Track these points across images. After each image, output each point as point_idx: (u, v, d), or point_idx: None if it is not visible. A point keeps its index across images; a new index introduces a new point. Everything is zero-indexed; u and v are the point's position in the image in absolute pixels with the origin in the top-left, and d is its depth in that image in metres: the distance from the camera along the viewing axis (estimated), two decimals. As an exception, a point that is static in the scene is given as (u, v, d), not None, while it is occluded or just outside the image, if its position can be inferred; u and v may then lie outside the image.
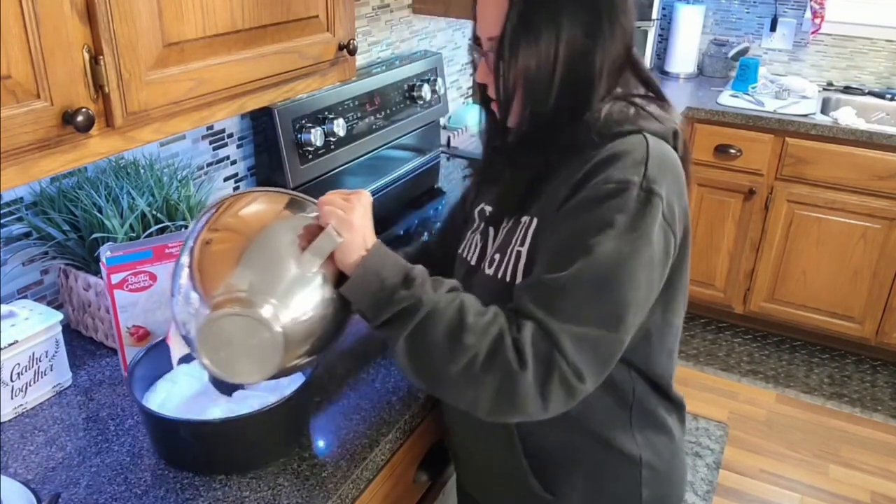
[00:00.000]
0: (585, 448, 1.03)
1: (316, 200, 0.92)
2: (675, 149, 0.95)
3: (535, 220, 0.94)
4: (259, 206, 0.92)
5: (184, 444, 0.99)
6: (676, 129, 0.96)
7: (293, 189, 1.72)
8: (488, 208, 1.05)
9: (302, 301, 0.86)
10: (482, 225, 1.06)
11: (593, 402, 0.89)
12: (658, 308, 0.96)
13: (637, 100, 0.96)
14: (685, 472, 1.14)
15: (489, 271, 0.99)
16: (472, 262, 1.04)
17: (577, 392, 0.85)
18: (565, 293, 0.84)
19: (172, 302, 0.91)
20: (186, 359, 1.08)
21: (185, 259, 0.89)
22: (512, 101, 0.94)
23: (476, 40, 0.99)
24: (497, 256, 0.98)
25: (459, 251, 1.10)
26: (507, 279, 0.95)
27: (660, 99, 0.99)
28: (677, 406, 1.10)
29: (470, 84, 2.69)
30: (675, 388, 1.08)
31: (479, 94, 1.04)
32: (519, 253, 0.95)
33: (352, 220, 0.87)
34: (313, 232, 0.88)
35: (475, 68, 1.01)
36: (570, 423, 0.96)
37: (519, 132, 0.97)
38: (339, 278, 0.89)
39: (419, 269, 0.88)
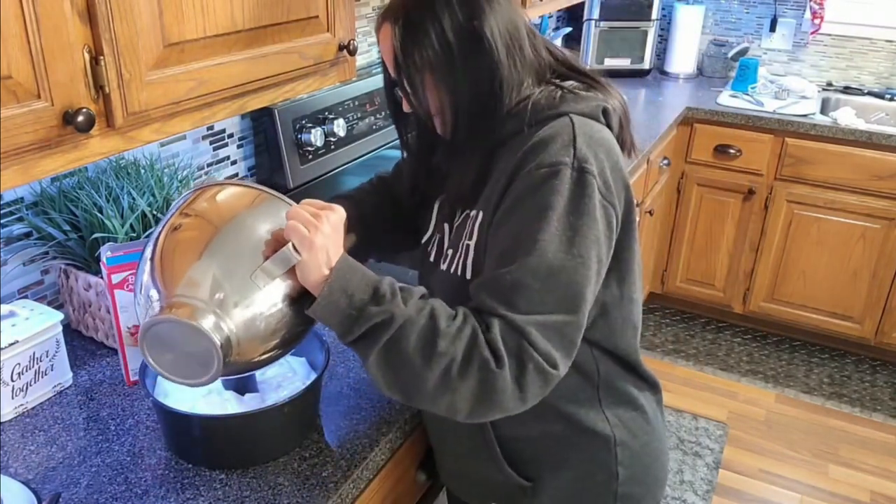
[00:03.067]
0: (558, 432, 1.04)
1: (292, 203, 0.91)
2: (609, 126, 0.98)
3: (480, 213, 0.97)
4: (234, 197, 0.92)
5: (195, 439, 1.00)
6: (606, 107, 0.97)
7: (294, 189, 1.72)
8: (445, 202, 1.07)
9: (258, 305, 0.86)
10: (438, 222, 1.08)
11: (560, 383, 0.90)
12: (613, 282, 0.99)
13: (566, 83, 0.99)
14: (663, 449, 1.14)
15: (444, 267, 1.01)
16: (432, 259, 1.07)
17: (552, 378, 0.87)
18: (521, 286, 0.86)
19: (135, 302, 0.91)
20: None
21: (147, 252, 0.90)
22: (429, 106, 0.97)
23: (393, 84, 1.02)
24: (450, 252, 1.01)
25: (423, 244, 1.11)
26: (459, 274, 0.98)
27: (592, 82, 1.02)
28: (650, 384, 1.11)
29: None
30: (646, 367, 1.10)
31: (397, 125, 1.10)
32: (468, 247, 0.97)
33: (313, 239, 0.85)
34: (278, 240, 0.88)
35: (395, 109, 1.06)
36: (540, 408, 0.96)
37: (451, 136, 0.99)
38: (302, 287, 0.89)
39: (388, 282, 0.87)
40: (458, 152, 1.00)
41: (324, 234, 0.86)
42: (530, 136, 0.93)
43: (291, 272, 0.87)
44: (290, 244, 0.86)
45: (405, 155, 1.14)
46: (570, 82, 1.00)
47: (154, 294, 0.86)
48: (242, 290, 0.85)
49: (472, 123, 0.96)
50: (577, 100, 0.96)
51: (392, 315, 0.84)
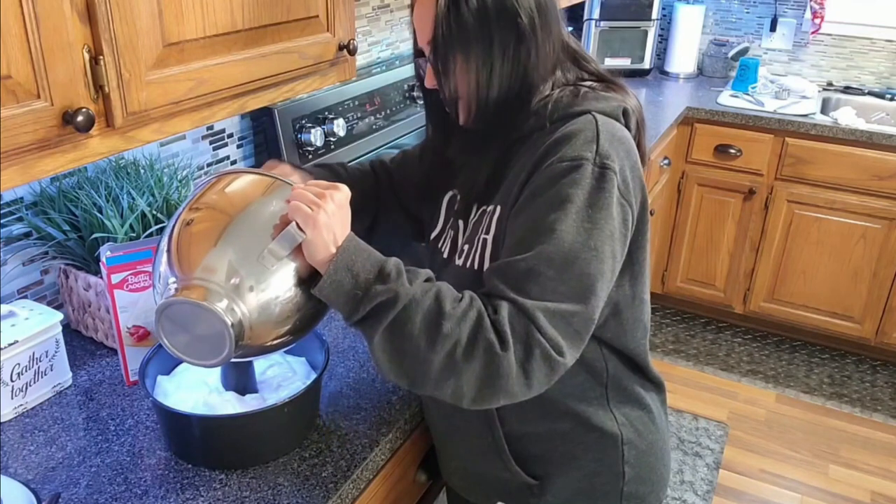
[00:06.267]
0: (566, 430, 1.04)
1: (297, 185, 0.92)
2: (627, 127, 0.98)
3: (497, 208, 0.97)
4: (249, 185, 0.92)
5: (195, 439, 1.00)
6: (626, 108, 0.98)
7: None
8: (458, 198, 1.07)
9: (273, 290, 0.87)
10: (452, 218, 1.08)
11: (568, 381, 0.89)
12: (626, 281, 1.00)
13: (586, 83, 1.00)
14: (667, 449, 1.15)
15: (459, 262, 1.01)
16: (445, 255, 1.06)
17: (558, 366, 0.85)
18: (534, 273, 0.86)
19: (154, 293, 0.92)
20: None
21: (163, 244, 0.90)
22: (456, 88, 0.95)
23: (419, 53, 1.00)
24: (466, 247, 1.01)
25: (433, 240, 1.11)
26: (476, 268, 0.98)
27: (610, 82, 1.02)
28: (656, 384, 1.13)
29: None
30: (654, 368, 1.11)
31: (425, 102, 1.08)
32: (485, 241, 0.97)
33: (317, 217, 0.85)
34: (285, 221, 0.88)
35: (422, 81, 1.02)
36: (549, 406, 0.96)
37: (473, 124, 0.98)
38: (313, 270, 0.89)
39: (393, 262, 0.87)
40: (476, 144, 1.00)
41: (328, 212, 0.86)
42: (552, 131, 0.94)
43: (303, 255, 0.87)
44: (293, 223, 0.86)
45: (429, 129, 1.12)
46: (590, 82, 1.01)
47: (172, 280, 0.87)
48: (257, 275, 0.86)
49: (497, 114, 0.96)
50: (599, 99, 0.97)
51: (396, 294, 0.84)
